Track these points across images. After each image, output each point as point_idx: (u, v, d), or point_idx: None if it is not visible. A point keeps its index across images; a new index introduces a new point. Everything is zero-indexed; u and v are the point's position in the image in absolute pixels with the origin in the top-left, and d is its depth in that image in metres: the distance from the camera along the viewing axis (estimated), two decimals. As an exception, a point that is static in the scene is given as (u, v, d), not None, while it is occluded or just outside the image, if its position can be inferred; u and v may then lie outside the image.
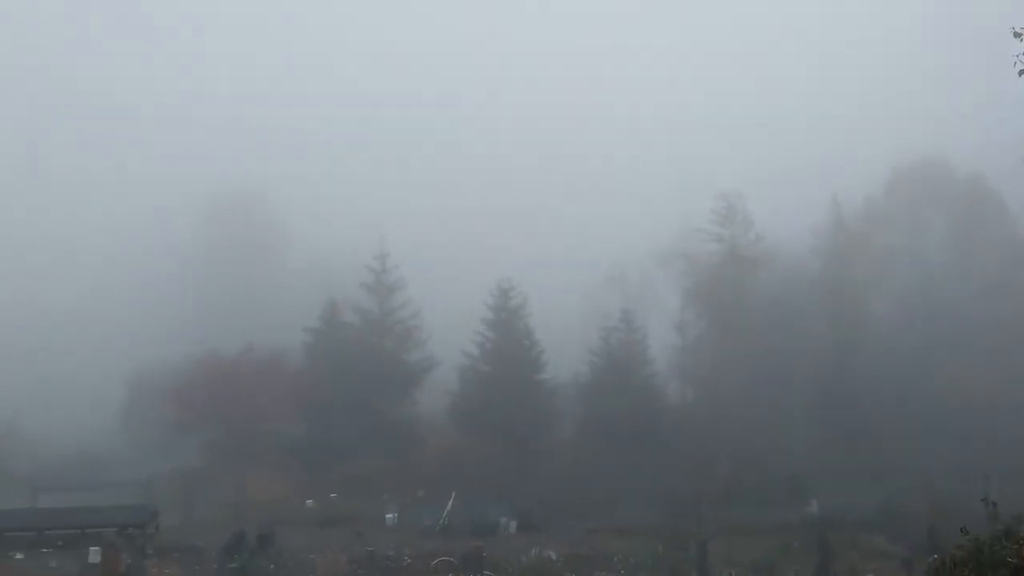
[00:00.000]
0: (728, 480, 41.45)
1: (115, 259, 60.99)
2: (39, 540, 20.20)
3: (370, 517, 36.56)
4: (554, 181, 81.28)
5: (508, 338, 54.75)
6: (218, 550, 27.09)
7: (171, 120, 77.70)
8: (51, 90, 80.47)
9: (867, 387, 50.05)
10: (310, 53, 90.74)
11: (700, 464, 44.33)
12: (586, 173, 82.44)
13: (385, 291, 55.71)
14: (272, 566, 26.17)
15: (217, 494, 39.42)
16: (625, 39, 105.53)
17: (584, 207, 75.60)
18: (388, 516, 36.37)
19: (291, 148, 76.52)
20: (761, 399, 47.36)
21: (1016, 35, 8.79)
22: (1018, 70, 8.70)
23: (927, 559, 16.72)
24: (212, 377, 48.70)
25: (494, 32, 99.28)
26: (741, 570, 26.66)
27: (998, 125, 61.42)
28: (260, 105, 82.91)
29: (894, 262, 56.88)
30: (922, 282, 56.26)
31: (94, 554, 22.58)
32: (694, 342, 57.57)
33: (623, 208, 70.68)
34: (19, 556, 25.59)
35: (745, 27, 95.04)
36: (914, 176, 58.51)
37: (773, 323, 51.57)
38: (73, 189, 69.46)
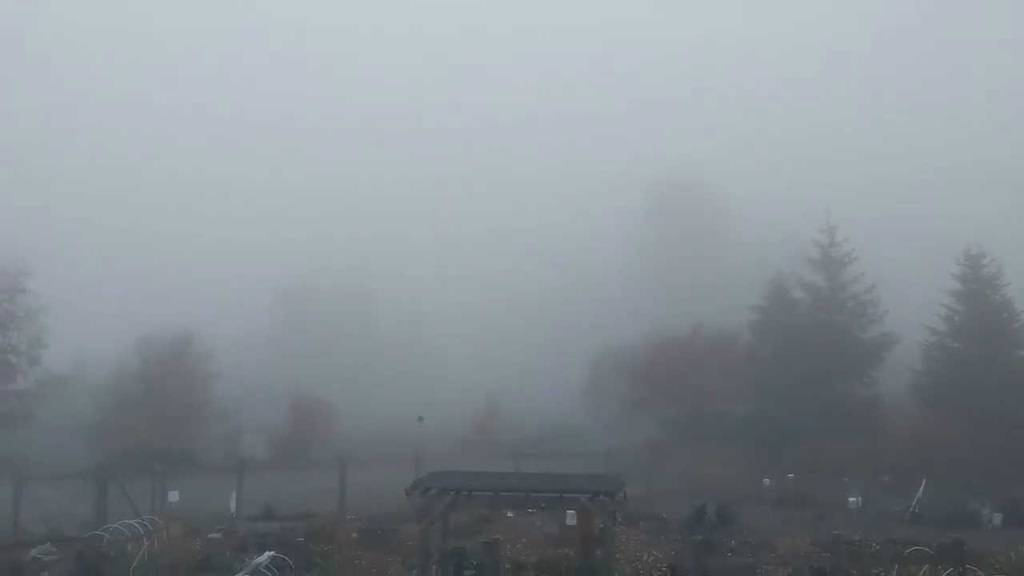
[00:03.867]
0: None
1: (580, 250, 66.73)
2: (525, 501, 22.43)
3: (830, 500, 35.28)
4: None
5: (981, 311, 49.07)
6: (680, 522, 28.00)
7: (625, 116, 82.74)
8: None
9: None
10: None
11: None
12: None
13: (834, 265, 53.23)
14: (733, 542, 26.35)
15: (675, 468, 40.82)
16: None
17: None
18: (851, 500, 34.67)
19: (728, 126, 76.99)
20: None
21: None
22: None
23: None
24: (664, 357, 50.63)
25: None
26: None
27: None
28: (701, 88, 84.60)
29: None
30: None
31: (571, 517, 24.41)
32: None
33: None
34: (510, 514, 28.98)
35: None
36: None
37: None
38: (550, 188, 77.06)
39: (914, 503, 33.25)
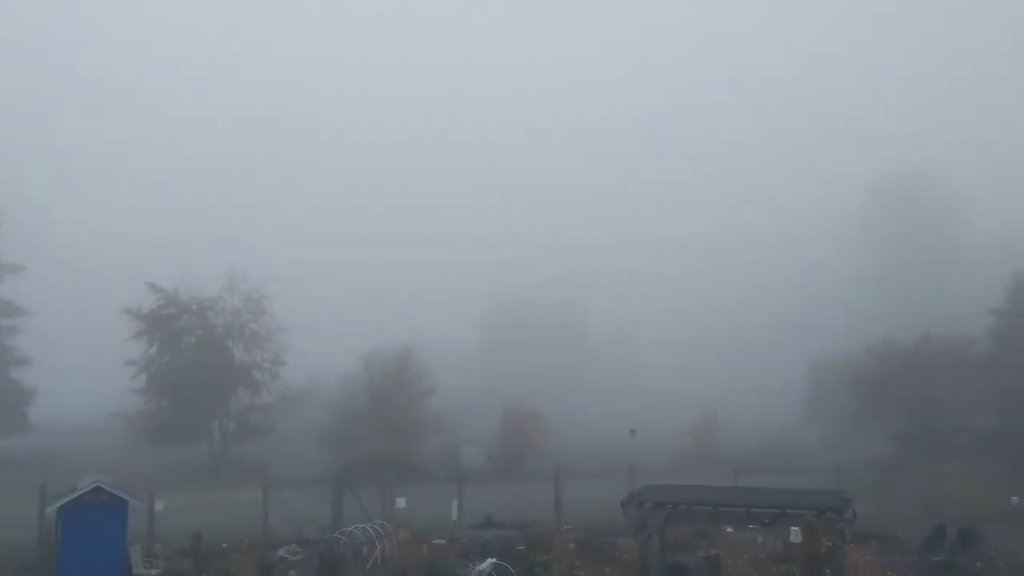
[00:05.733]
0: None
1: (799, 253, 64.44)
2: (746, 516, 21.83)
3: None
4: None
5: None
6: (919, 542, 26.26)
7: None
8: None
9: None
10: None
11: None
12: None
13: (1087, 263, 48.16)
14: (978, 564, 24.32)
15: (909, 485, 38.20)
16: None
17: None
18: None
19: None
20: None
21: None
22: None
23: None
24: (891, 367, 47.73)
25: None
26: None
27: None
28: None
29: None
30: None
31: (795, 534, 23.44)
32: None
33: None
34: (729, 530, 28.22)
35: None
36: None
37: None
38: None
39: None
